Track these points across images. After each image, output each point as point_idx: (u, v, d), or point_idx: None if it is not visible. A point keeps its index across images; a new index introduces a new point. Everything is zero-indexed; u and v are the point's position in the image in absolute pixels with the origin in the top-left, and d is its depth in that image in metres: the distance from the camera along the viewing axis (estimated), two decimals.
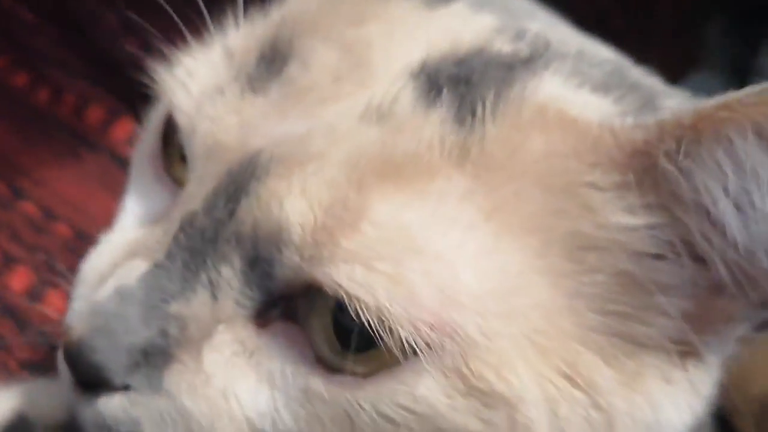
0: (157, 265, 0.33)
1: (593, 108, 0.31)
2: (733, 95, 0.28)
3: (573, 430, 0.30)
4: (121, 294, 0.33)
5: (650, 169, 0.30)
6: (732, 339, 0.33)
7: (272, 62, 0.35)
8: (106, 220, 0.59)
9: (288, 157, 0.31)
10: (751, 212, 0.29)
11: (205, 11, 0.37)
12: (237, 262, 0.32)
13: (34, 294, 0.58)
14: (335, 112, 0.32)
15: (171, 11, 0.39)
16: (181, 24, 0.39)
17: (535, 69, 0.32)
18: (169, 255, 0.33)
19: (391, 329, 0.29)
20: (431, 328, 0.29)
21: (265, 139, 0.32)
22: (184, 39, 0.73)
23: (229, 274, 0.32)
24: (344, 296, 0.29)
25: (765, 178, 0.28)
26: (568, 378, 0.30)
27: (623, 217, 0.30)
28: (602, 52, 0.37)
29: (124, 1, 0.74)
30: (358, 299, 0.29)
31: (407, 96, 0.32)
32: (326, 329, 0.30)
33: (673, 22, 0.81)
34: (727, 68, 0.83)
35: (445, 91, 0.32)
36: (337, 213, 0.30)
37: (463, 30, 0.34)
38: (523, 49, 0.33)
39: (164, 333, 0.32)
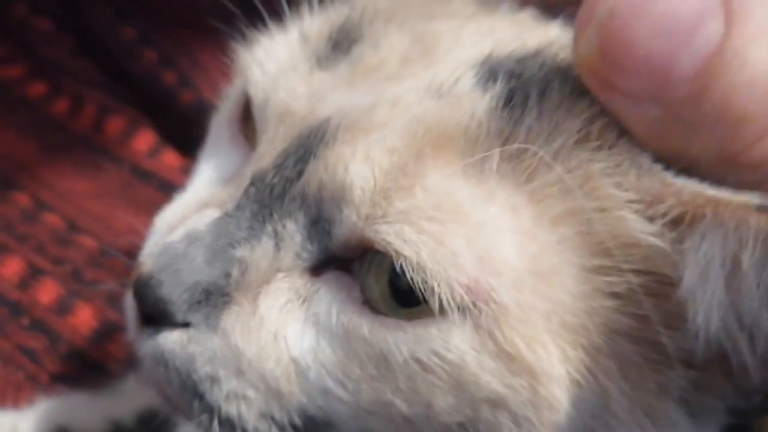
0: (227, 214, 0.35)
1: None
2: (724, 195, 0.29)
3: (586, 420, 0.32)
4: (191, 237, 0.35)
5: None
6: (718, 415, 0.34)
7: (340, 44, 0.38)
8: (129, 233, 0.59)
9: (354, 125, 0.34)
10: (721, 299, 0.30)
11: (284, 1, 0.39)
12: (301, 218, 0.34)
13: (63, 306, 0.58)
14: (400, 88, 0.35)
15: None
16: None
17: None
18: (239, 206, 0.35)
19: (432, 287, 0.30)
20: (468, 290, 0.30)
21: (332, 108, 0.35)
22: (203, 50, 0.74)
23: (293, 229, 0.34)
24: (392, 253, 0.31)
25: (726, 270, 0.30)
26: (590, 371, 0.31)
27: (649, 233, 0.31)
28: None
29: (142, 14, 0.75)
30: (404, 256, 0.31)
31: (468, 80, 0.34)
32: (382, 288, 0.32)
33: None
34: None
35: (499, 80, 0.34)
36: (394, 177, 0.32)
37: (528, 35, 0.37)
38: None
39: (227, 275, 0.34)
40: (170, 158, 0.69)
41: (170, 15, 0.75)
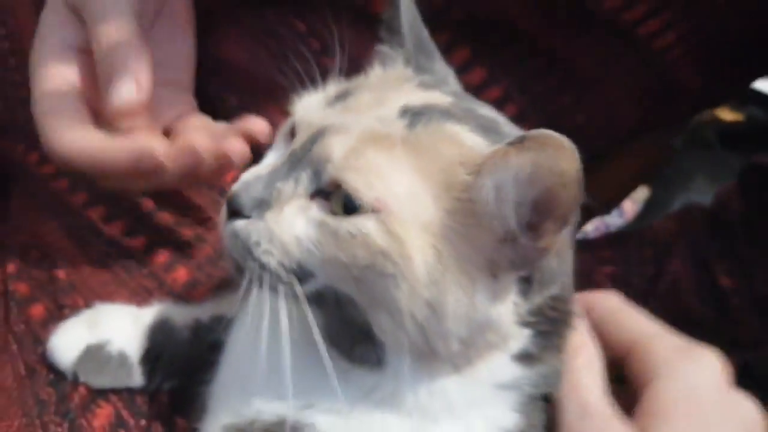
0: (275, 168, 0.59)
1: (476, 142, 0.56)
2: (502, 145, 0.51)
3: (430, 272, 0.53)
4: (257, 176, 0.59)
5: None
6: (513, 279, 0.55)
7: (340, 97, 0.62)
8: None
9: (337, 130, 0.57)
10: (502, 205, 0.52)
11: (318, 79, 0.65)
12: (309, 171, 0.57)
13: (168, 268, 0.84)
14: (363, 116, 0.58)
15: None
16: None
17: (455, 118, 0.57)
18: (283, 164, 0.59)
19: (361, 200, 0.53)
20: (377, 202, 0.53)
21: (328, 122, 0.58)
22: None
23: (304, 176, 0.57)
24: (347, 185, 0.53)
25: (507, 193, 0.51)
26: (433, 247, 0.53)
27: (467, 176, 0.54)
28: (492, 115, 0.62)
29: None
30: (350, 187, 0.54)
31: (395, 113, 0.58)
32: (340, 204, 0.55)
33: None
34: None
35: (408, 114, 0.57)
36: (353, 152, 0.54)
37: (435, 99, 0.61)
38: (455, 110, 0.59)
39: (271, 194, 0.57)
40: None
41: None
